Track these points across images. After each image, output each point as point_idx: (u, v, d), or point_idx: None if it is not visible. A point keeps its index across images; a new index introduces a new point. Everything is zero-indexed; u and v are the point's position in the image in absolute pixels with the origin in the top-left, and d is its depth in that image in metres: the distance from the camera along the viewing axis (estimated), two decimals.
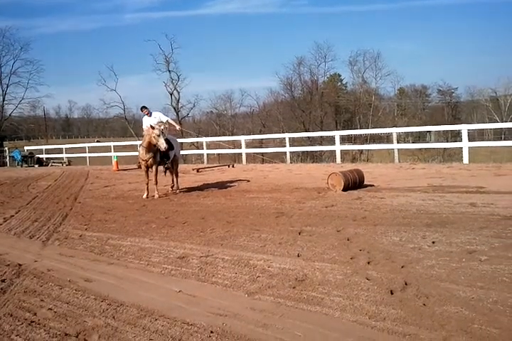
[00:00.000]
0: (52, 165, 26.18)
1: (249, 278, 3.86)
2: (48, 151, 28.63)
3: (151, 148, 9.17)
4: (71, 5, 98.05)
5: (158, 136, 8.84)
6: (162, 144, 8.81)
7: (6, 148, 30.41)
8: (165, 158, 9.60)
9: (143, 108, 10.05)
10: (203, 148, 21.55)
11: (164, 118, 9.89)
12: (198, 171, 15.39)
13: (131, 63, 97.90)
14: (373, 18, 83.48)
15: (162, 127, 9.10)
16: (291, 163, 18.66)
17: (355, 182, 8.76)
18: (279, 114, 50.27)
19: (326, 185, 8.82)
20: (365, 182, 9.07)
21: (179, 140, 14.56)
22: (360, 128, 39.43)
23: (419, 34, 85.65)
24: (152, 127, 8.97)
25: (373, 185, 9.15)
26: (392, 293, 3.32)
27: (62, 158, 27.18)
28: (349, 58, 51.75)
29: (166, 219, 6.82)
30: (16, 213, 8.06)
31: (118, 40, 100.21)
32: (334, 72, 54.34)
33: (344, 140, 18.61)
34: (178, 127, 10.58)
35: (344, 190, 8.45)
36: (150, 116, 9.85)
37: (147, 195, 9.36)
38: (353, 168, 10.06)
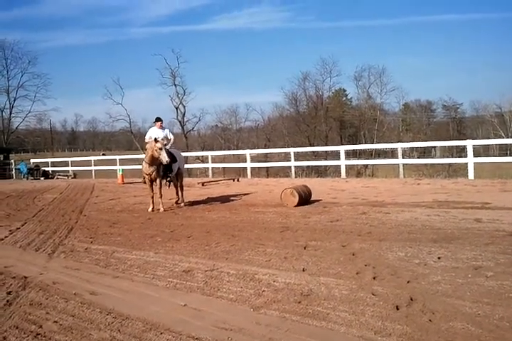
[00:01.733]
0: (57, 178, 26.31)
1: (255, 292, 3.85)
2: (53, 164, 28.87)
3: (154, 161, 9.22)
4: (78, 19, 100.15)
5: (161, 149, 8.91)
6: (164, 158, 8.86)
7: (13, 161, 30.62)
8: (168, 171, 9.65)
9: (158, 119, 10.09)
10: (207, 162, 21.67)
11: (170, 136, 9.99)
12: (203, 185, 15.44)
13: (137, 77, 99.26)
14: (379, 33, 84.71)
15: (165, 141, 9.30)
16: (296, 177, 18.69)
17: (306, 199, 9.28)
18: (284, 128, 50.55)
19: (280, 201, 9.16)
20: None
21: (184, 154, 14.64)
22: (365, 143, 39.45)
23: (425, 49, 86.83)
24: (156, 140, 9.05)
25: (321, 200, 9.68)
26: (397, 309, 3.30)
27: (67, 171, 27.35)
28: (354, 73, 52.29)
29: (171, 233, 6.83)
30: (22, 225, 8.09)
31: (125, 54, 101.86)
32: (339, 87, 54.77)
33: (349, 155, 18.62)
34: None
35: (299, 202, 8.93)
36: (162, 129, 9.95)
37: (152, 208, 9.39)
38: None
